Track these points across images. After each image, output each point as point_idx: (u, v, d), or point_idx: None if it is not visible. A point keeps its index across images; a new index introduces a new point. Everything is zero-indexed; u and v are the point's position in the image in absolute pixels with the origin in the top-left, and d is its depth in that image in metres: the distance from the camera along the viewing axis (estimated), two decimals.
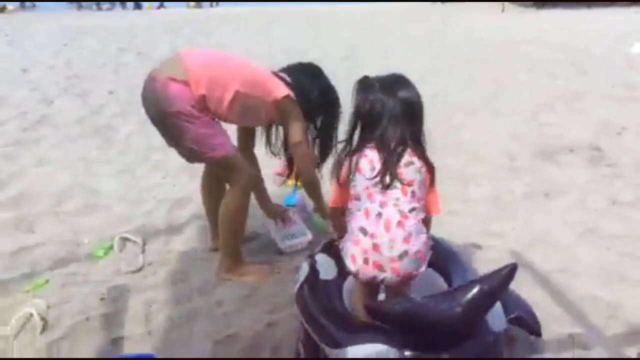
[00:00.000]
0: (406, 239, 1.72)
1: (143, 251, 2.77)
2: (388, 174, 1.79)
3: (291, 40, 9.29)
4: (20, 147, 4.17)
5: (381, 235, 1.74)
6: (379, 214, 1.77)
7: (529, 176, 3.63)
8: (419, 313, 1.62)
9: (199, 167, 2.66)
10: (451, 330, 1.60)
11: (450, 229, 2.90)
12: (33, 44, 8.78)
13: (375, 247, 1.73)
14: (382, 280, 1.76)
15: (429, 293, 1.82)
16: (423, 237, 1.76)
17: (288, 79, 2.48)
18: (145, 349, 2.08)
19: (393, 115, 1.84)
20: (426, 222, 1.83)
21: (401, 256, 1.71)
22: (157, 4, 23.34)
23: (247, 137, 2.73)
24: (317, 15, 13.64)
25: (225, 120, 2.43)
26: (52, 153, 4.08)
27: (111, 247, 2.79)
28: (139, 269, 2.63)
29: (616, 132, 4.35)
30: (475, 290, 1.56)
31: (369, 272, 1.75)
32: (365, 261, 1.75)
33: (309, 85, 2.51)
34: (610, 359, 1.89)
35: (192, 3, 22.41)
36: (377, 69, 6.54)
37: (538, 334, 1.99)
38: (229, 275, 2.49)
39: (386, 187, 1.78)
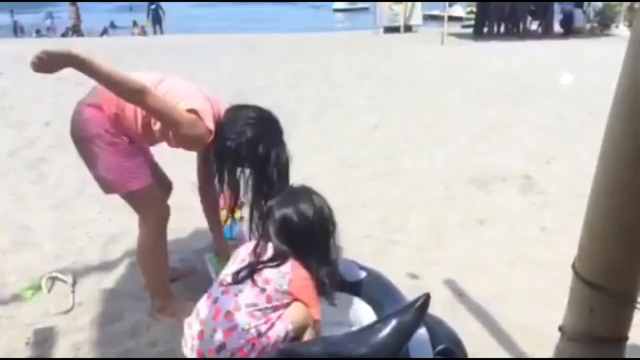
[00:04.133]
0: (227, 332, 1.72)
1: (73, 291, 2.67)
2: (248, 269, 1.84)
3: (237, 70, 9.29)
4: None
5: (208, 322, 1.76)
6: (216, 300, 1.80)
7: (463, 205, 3.75)
8: (331, 353, 1.63)
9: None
10: None
11: (390, 258, 2.97)
12: None
13: (200, 334, 1.76)
14: None
15: (360, 326, 1.84)
16: (252, 334, 1.72)
17: (220, 111, 2.26)
18: None
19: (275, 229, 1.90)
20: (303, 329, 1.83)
21: (219, 349, 1.71)
22: (99, 30, 22.91)
23: (206, 165, 2.48)
24: (263, 44, 13.73)
25: (148, 143, 2.35)
26: None
27: (39, 287, 2.67)
28: (69, 310, 2.53)
29: (545, 161, 4.56)
30: (386, 327, 1.58)
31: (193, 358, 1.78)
32: (192, 348, 1.79)
33: (231, 131, 2.19)
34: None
35: (136, 30, 22.12)
36: (322, 97, 6.66)
37: None
38: (162, 315, 2.43)
39: (239, 280, 1.83)
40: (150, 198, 2.30)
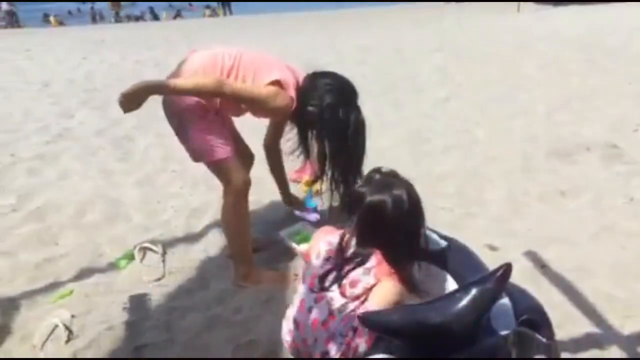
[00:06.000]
0: (327, 340, 1.78)
1: (163, 260, 2.83)
2: (334, 273, 1.83)
3: (305, 45, 9.35)
4: (42, 160, 4.28)
5: (308, 332, 1.83)
6: (310, 309, 1.84)
7: (544, 175, 3.62)
8: (411, 321, 1.63)
9: (216, 177, 2.71)
10: (447, 336, 1.59)
11: (467, 230, 2.93)
12: (53, 58, 8.97)
13: (304, 341, 1.85)
14: None
15: (440, 295, 1.84)
16: (349, 336, 1.76)
17: (299, 78, 2.36)
18: (167, 356, 2.14)
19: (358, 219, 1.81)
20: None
21: (323, 354, 1.79)
22: (173, 13, 23.64)
23: (274, 130, 2.74)
24: (331, 20, 13.70)
25: (234, 114, 2.48)
26: (73, 165, 4.18)
27: (132, 257, 2.85)
28: (160, 278, 2.69)
29: (632, 130, 4.31)
30: (466, 296, 1.56)
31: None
32: (297, 351, 1.91)
33: (312, 97, 2.30)
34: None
35: (207, 12, 22.66)
36: (392, 71, 6.56)
37: (549, 337, 1.98)
38: (246, 282, 2.54)
39: (327, 286, 1.83)
40: (234, 167, 2.39)
